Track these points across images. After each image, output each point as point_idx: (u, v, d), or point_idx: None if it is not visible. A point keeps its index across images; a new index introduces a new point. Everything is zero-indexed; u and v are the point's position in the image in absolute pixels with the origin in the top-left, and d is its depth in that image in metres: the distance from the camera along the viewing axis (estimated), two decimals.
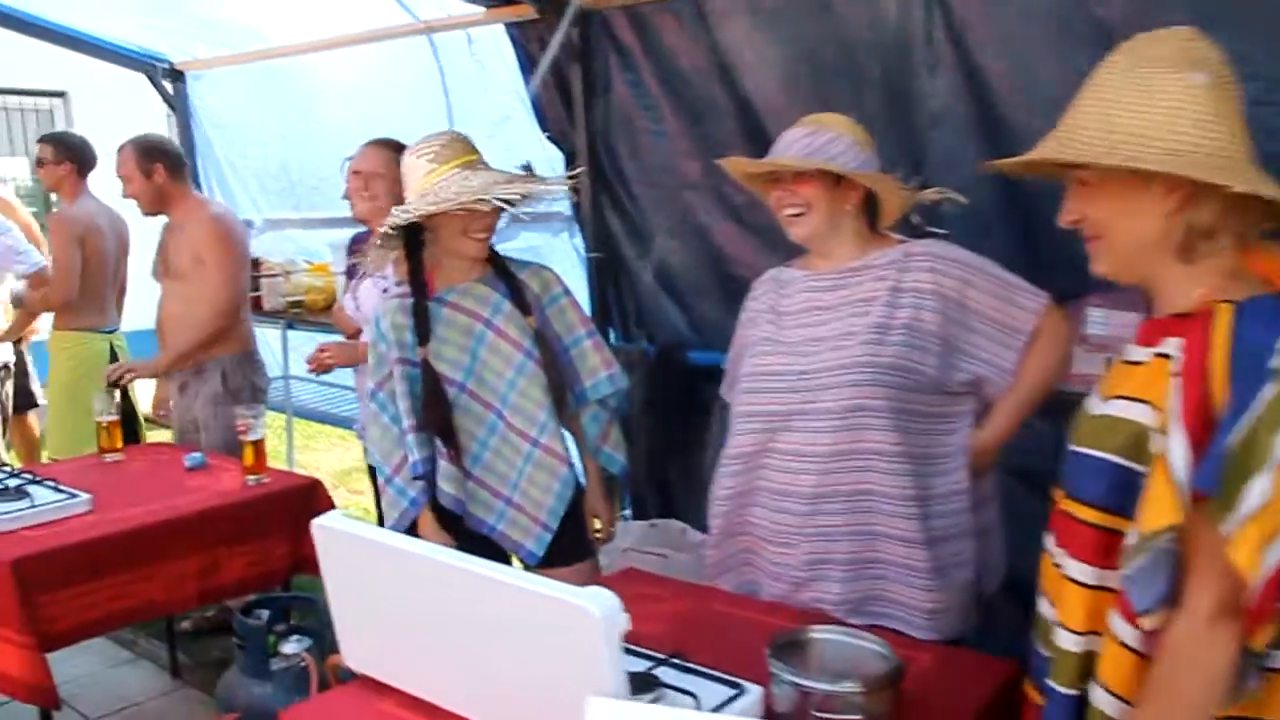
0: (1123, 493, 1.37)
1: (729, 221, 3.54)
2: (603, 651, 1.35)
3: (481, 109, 4.31)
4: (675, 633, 1.94)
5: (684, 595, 2.23)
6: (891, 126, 3.02)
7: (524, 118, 4.05)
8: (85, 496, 2.91)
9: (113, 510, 2.90)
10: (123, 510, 2.89)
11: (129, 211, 4.27)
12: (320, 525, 1.71)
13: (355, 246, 3.89)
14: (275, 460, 4.32)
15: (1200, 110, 1.34)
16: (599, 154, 3.81)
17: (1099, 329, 2.65)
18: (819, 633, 1.75)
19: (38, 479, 3.06)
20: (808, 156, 2.06)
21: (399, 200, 3.32)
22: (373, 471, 3.47)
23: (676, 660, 1.72)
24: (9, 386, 4.87)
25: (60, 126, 9.51)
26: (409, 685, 1.72)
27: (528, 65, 3.93)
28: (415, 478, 2.53)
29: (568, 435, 2.68)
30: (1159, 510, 1.28)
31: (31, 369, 5.37)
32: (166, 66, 5.41)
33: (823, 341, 2.07)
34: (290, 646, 2.66)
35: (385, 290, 3.27)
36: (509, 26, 3.93)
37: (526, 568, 2.50)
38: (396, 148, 3.39)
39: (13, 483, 3.03)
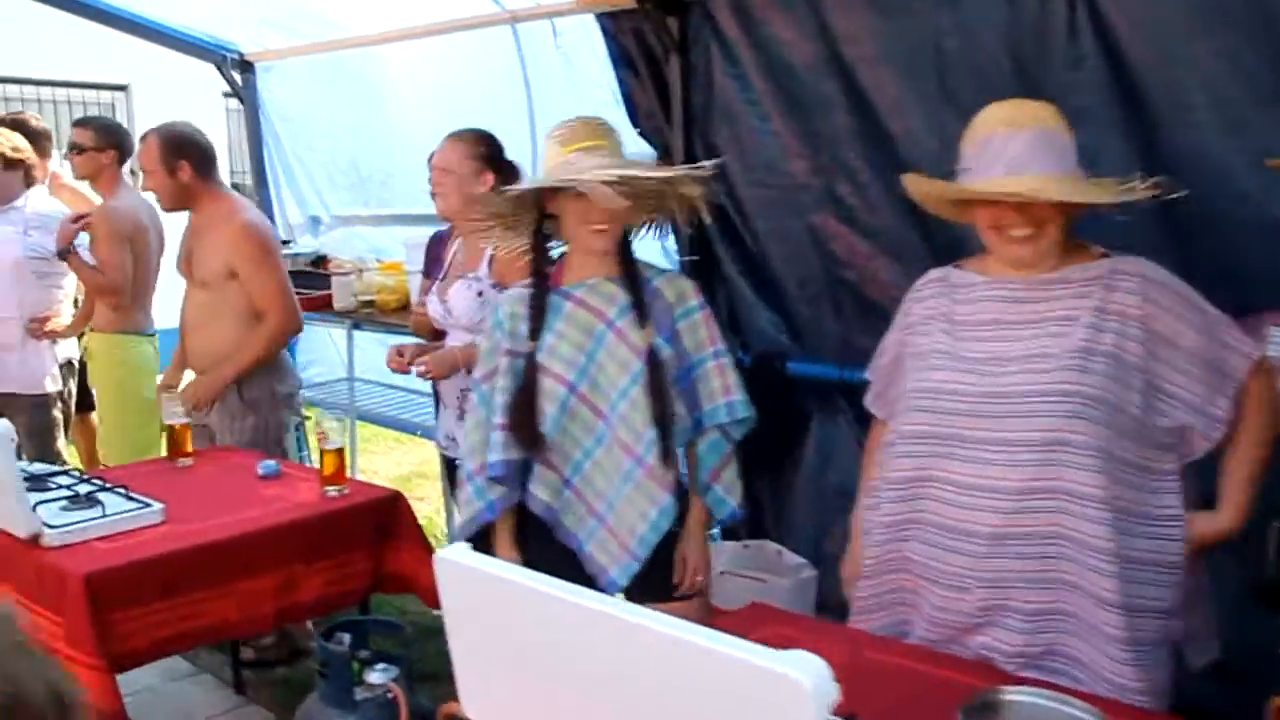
0: None
1: (842, 223, 3.31)
2: None
3: (566, 104, 4.11)
4: None
5: (823, 637, 1.99)
6: None
7: (612, 113, 3.85)
8: (158, 506, 2.73)
9: (186, 521, 2.72)
10: (196, 522, 2.72)
11: None
12: (444, 559, 1.50)
13: (435, 245, 3.71)
14: None
15: None
16: (696, 151, 3.60)
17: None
18: (1015, 694, 1.52)
19: (108, 485, 2.88)
20: (1061, 172, 1.78)
21: (469, 197, 3.17)
22: (450, 468, 3.29)
23: None
24: (72, 384, 4.69)
25: (121, 120, 9.45)
26: None
27: (620, 58, 3.73)
28: (493, 479, 2.35)
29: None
30: None
31: None
32: (236, 57, 5.26)
33: (1010, 361, 1.83)
34: (376, 676, 2.45)
35: (480, 293, 3.08)
36: (600, 16, 3.73)
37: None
38: (475, 139, 3.21)
39: (83, 489, 2.86)
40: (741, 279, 3.65)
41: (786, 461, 3.68)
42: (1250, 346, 1.84)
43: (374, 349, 5.38)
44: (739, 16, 3.41)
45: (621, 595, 2.36)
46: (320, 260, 4.87)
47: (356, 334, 5.10)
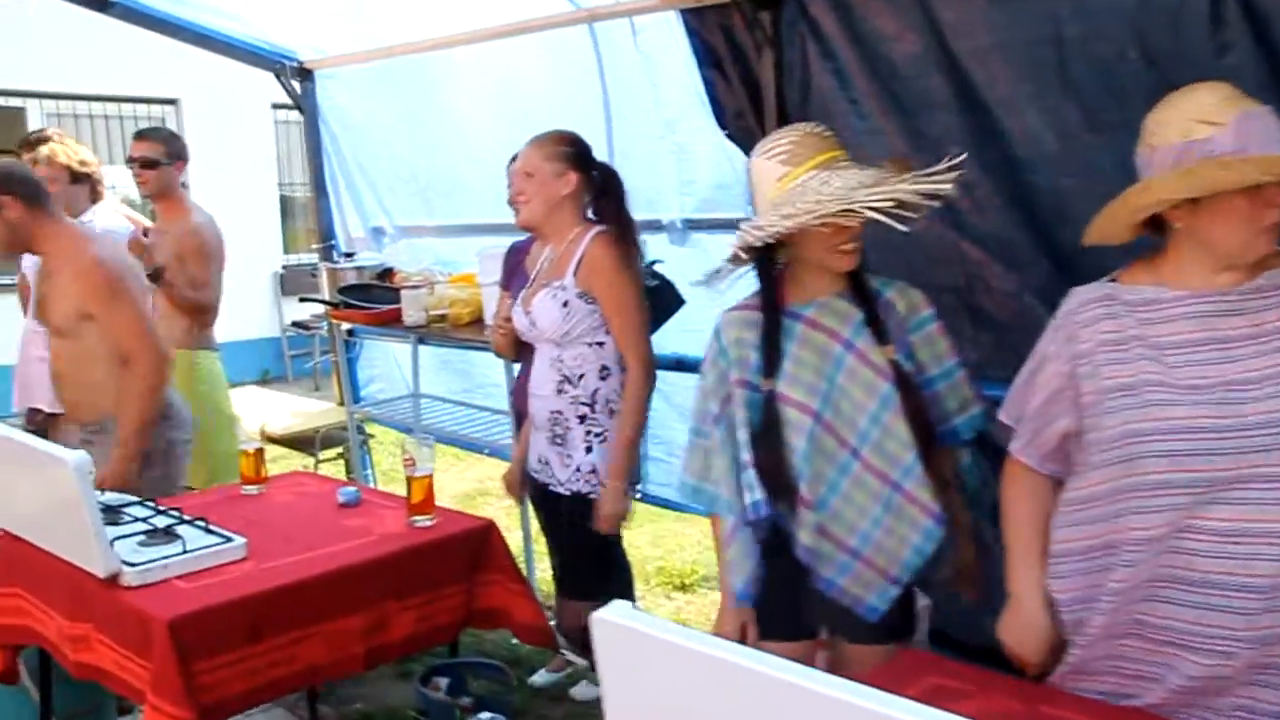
0: None
1: (949, 228, 3.09)
2: None
3: (645, 107, 3.94)
4: None
5: (993, 689, 1.80)
6: None
7: (696, 115, 3.66)
8: (240, 541, 2.57)
9: (269, 557, 2.56)
10: (280, 557, 2.56)
11: None
12: (605, 620, 1.31)
13: (513, 256, 3.54)
14: (396, 483, 3.96)
15: None
16: None
17: None
18: None
19: (185, 517, 2.72)
20: None
21: (550, 202, 2.98)
22: (538, 490, 3.14)
23: None
24: None
25: None
26: None
27: (705, 56, 3.53)
28: (754, 520, 2.19)
29: None
30: None
31: None
32: (295, 65, 5.11)
33: (1246, 386, 1.61)
34: None
35: (565, 303, 2.91)
36: (684, 13, 3.53)
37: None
38: (557, 139, 3.05)
39: (160, 521, 2.70)
40: None
41: None
42: None
43: (435, 364, 5.22)
44: (836, 9, 3.19)
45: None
46: (387, 273, 4.70)
47: (421, 349, 4.94)
